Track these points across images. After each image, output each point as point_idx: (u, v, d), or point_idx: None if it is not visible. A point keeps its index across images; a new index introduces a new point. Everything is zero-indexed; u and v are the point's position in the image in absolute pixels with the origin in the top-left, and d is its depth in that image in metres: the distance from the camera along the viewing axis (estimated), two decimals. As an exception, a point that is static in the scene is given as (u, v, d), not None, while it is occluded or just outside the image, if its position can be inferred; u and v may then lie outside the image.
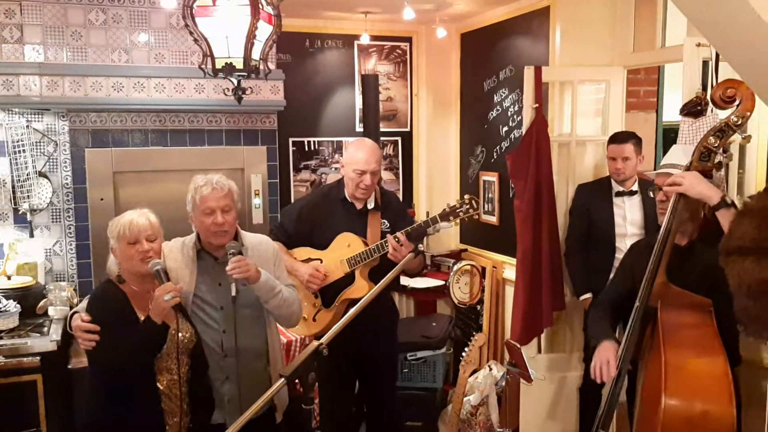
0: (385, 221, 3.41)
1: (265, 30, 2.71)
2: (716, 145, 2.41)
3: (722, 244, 1.83)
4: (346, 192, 3.39)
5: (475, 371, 4.27)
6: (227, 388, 2.79)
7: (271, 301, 2.78)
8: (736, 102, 2.47)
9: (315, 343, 1.77)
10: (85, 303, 2.67)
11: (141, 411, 2.55)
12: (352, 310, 1.97)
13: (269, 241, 3.03)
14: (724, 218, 2.24)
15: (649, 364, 2.45)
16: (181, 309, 2.68)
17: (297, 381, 1.70)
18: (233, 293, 2.68)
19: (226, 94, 2.96)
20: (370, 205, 3.40)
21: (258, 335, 2.87)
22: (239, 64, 2.66)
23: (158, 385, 2.58)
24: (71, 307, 3.41)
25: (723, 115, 2.62)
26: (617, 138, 3.76)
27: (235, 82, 2.76)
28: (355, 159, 3.30)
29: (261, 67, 2.78)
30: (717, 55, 2.95)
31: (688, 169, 2.48)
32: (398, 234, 3.17)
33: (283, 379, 1.69)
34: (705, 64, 3.09)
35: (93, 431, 2.65)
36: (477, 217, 3.26)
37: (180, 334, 2.62)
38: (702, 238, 2.56)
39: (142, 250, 2.57)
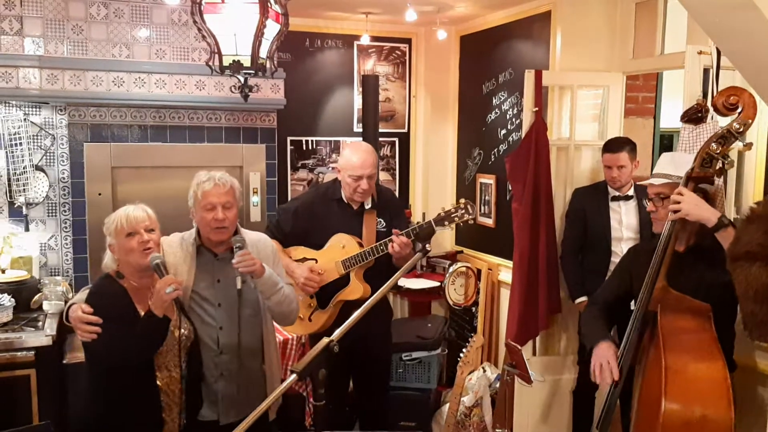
0: (381, 220, 3.41)
1: (272, 28, 2.72)
2: (718, 151, 2.42)
3: (729, 250, 1.85)
4: (342, 193, 3.39)
5: (469, 373, 4.28)
6: (221, 386, 2.79)
7: (273, 297, 2.78)
8: (738, 109, 2.49)
9: (326, 339, 1.77)
10: (81, 295, 2.64)
11: (139, 407, 2.54)
12: (360, 309, 1.99)
13: (267, 239, 3.03)
14: (724, 239, 2.25)
15: (647, 368, 2.46)
16: (179, 305, 2.67)
17: (308, 377, 1.70)
18: (238, 286, 2.67)
19: (233, 92, 2.95)
20: (367, 205, 3.40)
21: (254, 333, 2.86)
22: (247, 62, 2.67)
23: (157, 381, 2.57)
24: (66, 302, 3.38)
25: (723, 122, 2.65)
26: (611, 147, 3.75)
27: (242, 79, 2.76)
28: (350, 164, 3.28)
29: (267, 65, 2.78)
30: (718, 64, 2.98)
31: (689, 175, 2.49)
32: (404, 232, 3.17)
33: (294, 375, 1.69)
34: (706, 71, 3.12)
35: (90, 427, 2.61)
36: (472, 222, 3.25)
37: (179, 331, 2.61)
38: (699, 245, 2.58)
39: (142, 240, 2.55)
